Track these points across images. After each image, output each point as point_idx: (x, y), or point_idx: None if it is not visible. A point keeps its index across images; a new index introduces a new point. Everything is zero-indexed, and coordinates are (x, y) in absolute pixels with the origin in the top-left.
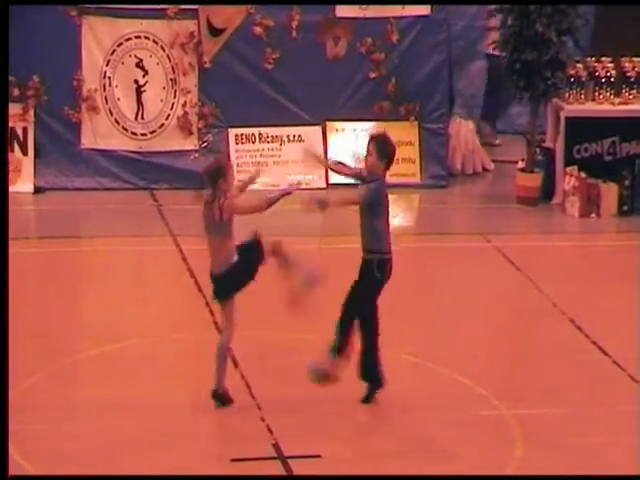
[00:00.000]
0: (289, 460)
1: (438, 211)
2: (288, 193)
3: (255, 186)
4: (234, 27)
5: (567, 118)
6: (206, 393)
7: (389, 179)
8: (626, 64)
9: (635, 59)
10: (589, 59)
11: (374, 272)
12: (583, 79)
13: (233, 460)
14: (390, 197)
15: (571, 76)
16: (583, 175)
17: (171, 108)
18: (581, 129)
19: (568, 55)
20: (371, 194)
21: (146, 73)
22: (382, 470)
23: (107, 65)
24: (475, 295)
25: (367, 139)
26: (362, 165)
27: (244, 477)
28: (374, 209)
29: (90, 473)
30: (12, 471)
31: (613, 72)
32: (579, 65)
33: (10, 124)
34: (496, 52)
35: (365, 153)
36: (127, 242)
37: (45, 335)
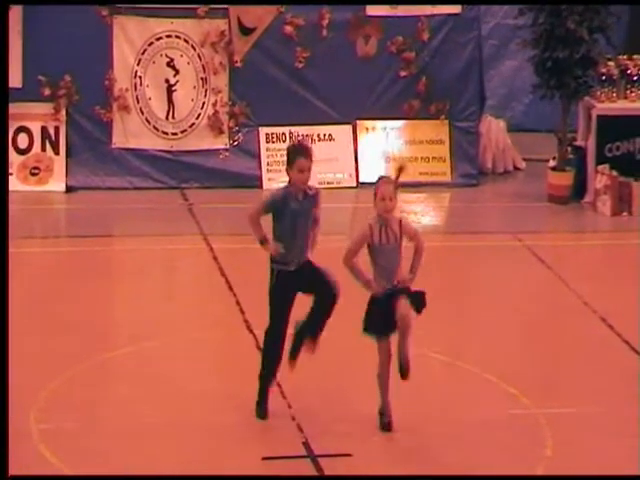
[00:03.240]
0: (319, 459)
1: (469, 210)
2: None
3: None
4: (265, 26)
5: (599, 116)
6: (236, 392)
7: (420, 178)
8: None
9: None
10: (621, 57)
11: None
12: (615, 77)
13: (264, 458)
14: (420, 196)
15: (602, 74)
16: (615, 174)
17: (202, 107)
18: (613, 127)
19: (599, 53)
20: None
21: (177, 72)
22: (412, 469)
23: (138, 64)
24: (506, 294)
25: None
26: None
27: (244, 477)
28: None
29: (121, 471)
30: (45, 470)
31: None
32: (611, 63)
33: (42, 123)
34: None
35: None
36: (158, 241)
37: (76, 334)
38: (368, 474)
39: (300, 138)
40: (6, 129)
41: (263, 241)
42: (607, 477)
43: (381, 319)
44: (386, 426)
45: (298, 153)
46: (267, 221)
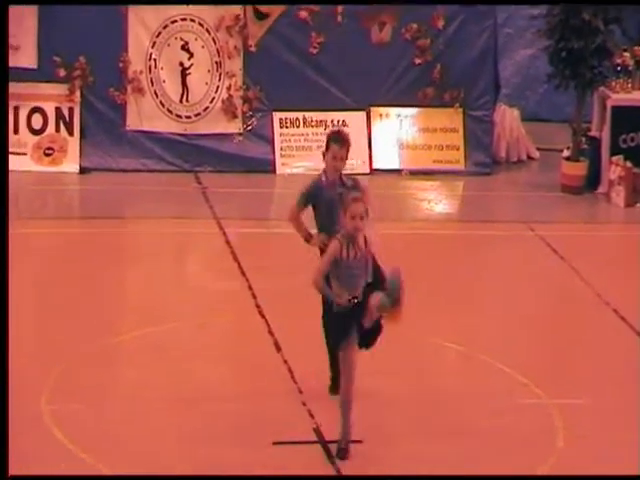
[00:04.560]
0: (330, 444)
1: (482, 199)
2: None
3: (298, 170)
4: (280, 11)
5: (613, 107)
6: (247, 377)
7: (433, 165)
8: None
9: None
10: (636, 48)
11: None
12: (630, 68)
13: (274, 443)
14: (434, 184)
15: (618, 65)
16: (629, 164)
17: (216, 91)
18: (627, 118)
19: (615, 44)
20: None
21: (191, 56)
22: (421, 456)
23: (153, 47)
24: (518, 284)
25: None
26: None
27: (244, 477)
28: None
29: (130, 453)
30: (55, 451)
31: None
32: (626, 54)
33: (56, 104)
34: None
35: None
36: (171, 224)
37: (87, 316)
38: (378, 469)
39: (340, 126)
40: (6, 127)
41: (307, 238)
42: (607, 477)
43: (343, 327)
44: (340, 452)
45: (333, 140)
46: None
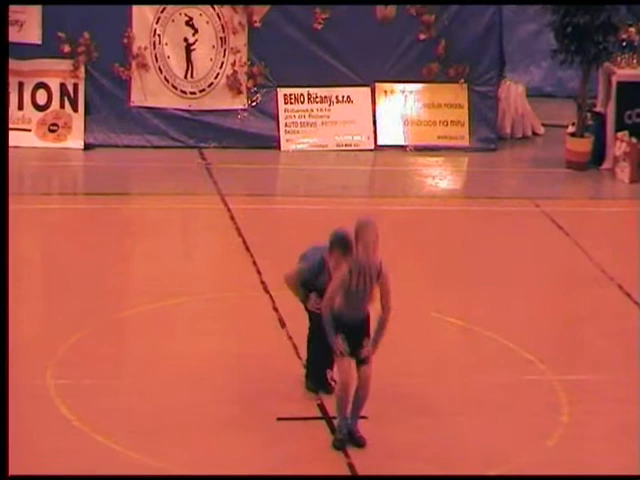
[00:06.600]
0: (334, 420)
1: (487, 175)
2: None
3: (303, 146)
4: None
5: (619, 83)
6: (252, 352)
7: (438, 142)
8: None
9: None
10: None
11: None
12: (635, 43)
13: (279, 419)
14: (438, 160)
15: (623, 40)
16: (634, 140)
17: (220, 67)
18: (633, 94)
19: (620, 19)
20: None
21: (196, 32)
22: (425, 432)
23: (157, 23)
24: (523, 260)
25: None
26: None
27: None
28: None
29: (137, 430)
30: (60, 426)
31: None
32: (631, 29)
33: (61, 80)
34: None
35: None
36: (175, 200)
37: (93, 291)
38: (385, 445)
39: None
40: (6, 126)
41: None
42: (607, 477)
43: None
44: (359, 441)
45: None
46: None
